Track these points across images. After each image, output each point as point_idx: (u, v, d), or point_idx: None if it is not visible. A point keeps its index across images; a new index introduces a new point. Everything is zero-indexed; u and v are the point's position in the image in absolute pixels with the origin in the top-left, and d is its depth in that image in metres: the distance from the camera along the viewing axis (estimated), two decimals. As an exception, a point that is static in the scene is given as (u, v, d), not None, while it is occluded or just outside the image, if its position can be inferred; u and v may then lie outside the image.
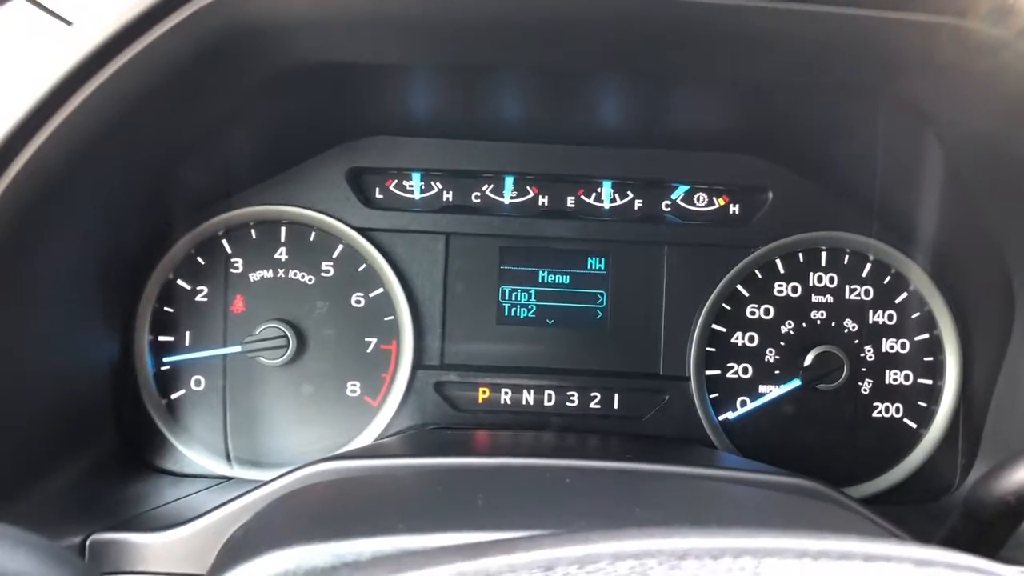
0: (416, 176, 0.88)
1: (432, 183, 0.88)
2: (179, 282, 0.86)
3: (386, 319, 0.87)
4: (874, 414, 0.87)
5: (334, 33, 0.63)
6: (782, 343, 0.88)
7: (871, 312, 0.88)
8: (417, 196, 0.88)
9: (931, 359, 0.87)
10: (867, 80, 0.65)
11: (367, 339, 0.87)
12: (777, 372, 0.87)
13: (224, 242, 0.86)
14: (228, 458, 0.86)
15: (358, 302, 0.87)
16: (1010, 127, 0.66)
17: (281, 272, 0.87)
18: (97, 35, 0.58)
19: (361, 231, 0.86)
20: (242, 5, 0.57)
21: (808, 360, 0.86)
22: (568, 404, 0.87)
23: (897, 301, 0.88)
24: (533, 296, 0.89)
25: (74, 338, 0.78)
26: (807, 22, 0.57)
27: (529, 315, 0.89)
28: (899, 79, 0.64)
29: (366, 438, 0.86)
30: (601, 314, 0.88)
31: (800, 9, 0.55)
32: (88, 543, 0.65)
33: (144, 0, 0.57)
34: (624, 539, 0.34)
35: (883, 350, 0.88)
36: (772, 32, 0.59)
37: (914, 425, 0.87)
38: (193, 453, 0.85)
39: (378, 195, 0.88)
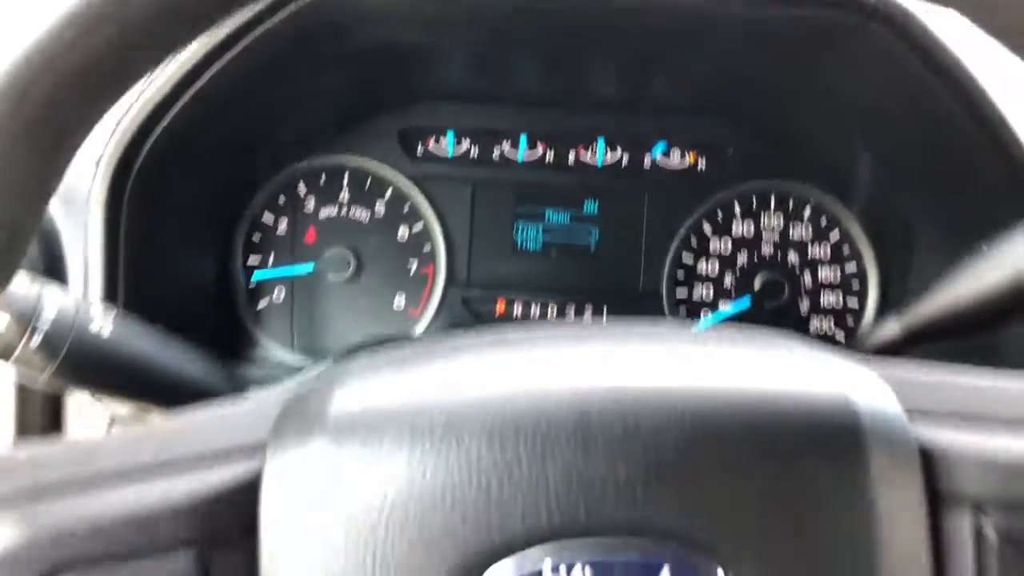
0: (449, 135, 1.11)
1: (462, 140, 1.11)
2: (264, 217, 1.10)
3: (425, 248, 1.11)
4: (811, 328, 1.10)
5: (398, 22, 0.86)
6: (737, 270, 1.10)
7: (810, 246, 1.10)
8: (450, 152, 1.11)
9: (858, 286, 1.09)
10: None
11: (410, 263, 1.11)
12: (732, 293, 1.10)
13: (300, 185, 1.10)
14: (299, 353, 1.10)
15: (403, 235, 1.11)
16: (909, 102, 0.88)
17: (343, 210, 1.10)
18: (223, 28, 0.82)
19: (408, 177, 1.10)
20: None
21: (757, 284, 1.09)
22: (566, 315, 1.11)
23: (831, 238, 1.10)
24: (541, 231, 1.11)
25: (192, 259, 1.03)
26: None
27: (537, 247, 1.12)
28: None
29: (409, 339, 1.10)
30: (594, 246, 1.11)
31: None
32: None
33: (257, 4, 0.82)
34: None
35: (819, 279, 1.10)
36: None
37: (842, 337, 1.10)
38: (273, 349, 1.10)
39: (420, 151, 1.11)
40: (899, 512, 0.42)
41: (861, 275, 1.09)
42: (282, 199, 1.10)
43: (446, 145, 1.11)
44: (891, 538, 0.41)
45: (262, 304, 1.10)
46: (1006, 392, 0.48)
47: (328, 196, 1.10)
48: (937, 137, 0.87)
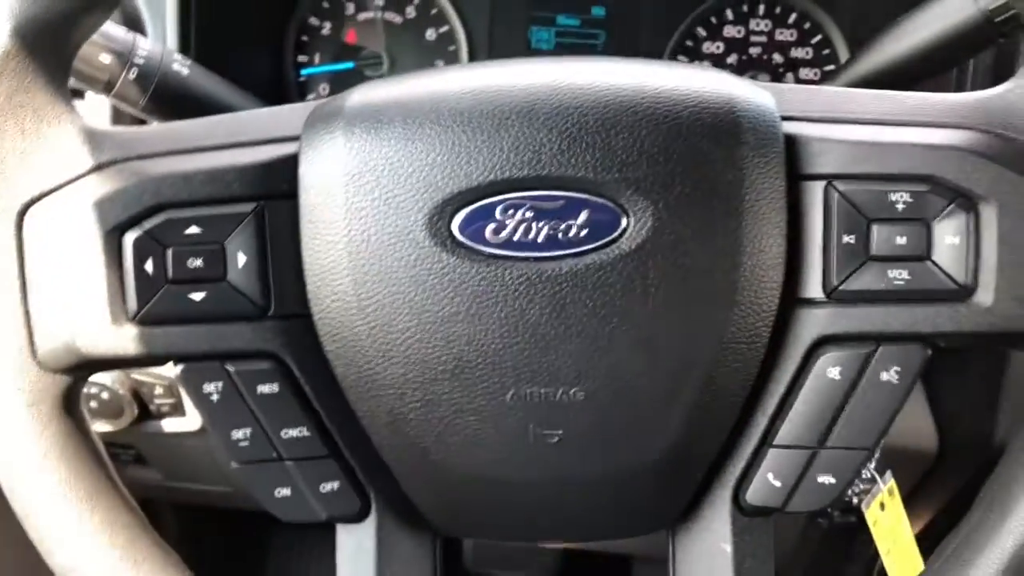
0: (471, -53, 1.24)
1: (481, -47, 1.24)
2: (311, 20, 1.25)
3: (450, 48, 1.24)
4: (790, 122, 1.23)
5: None
6: (727, 70, 1.22)
7: (792, 48, 1.22)
8: (473, -39, 1.25)
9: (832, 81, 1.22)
10: None
11: (437, 61, 1.25)
12: (722, 90, 1.23)
13: (341, -9, 1.25)
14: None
15: (431, 36, 1.25)
16: None
17: (379, 14, 1.25)
18: None
19: (434, -16, 1.24)
20: None
21: (744, 81, 1.22)
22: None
23: (813, 42, 1.22)
24: (553, 34, 1.25)
25: (250, 54, 1.19)
26: None
27: (550, 48, 1.25)
28: None
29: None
30: (600, 48, 1.25)
31: None
32: None
33: None
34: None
35: (799, 76, 1.23)
36: None
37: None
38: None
39: (446, -41, 1.25)
40: (763, 182, 0.58)
41: (837, 72, 1.21)
42: (326, 3, 1.25)
43: (468, -46, 1.25)
44: (756, 200, 0.58)
45: (310, 97, 1.27)
46: (866, 100, 0.63)
47: (365, 1, 1.24)
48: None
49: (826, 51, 1.22)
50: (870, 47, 0.89)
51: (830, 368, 0.60)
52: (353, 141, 0.58)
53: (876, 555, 0.87)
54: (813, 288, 0.59)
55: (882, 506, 0.86)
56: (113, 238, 0.58)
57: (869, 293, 0.59)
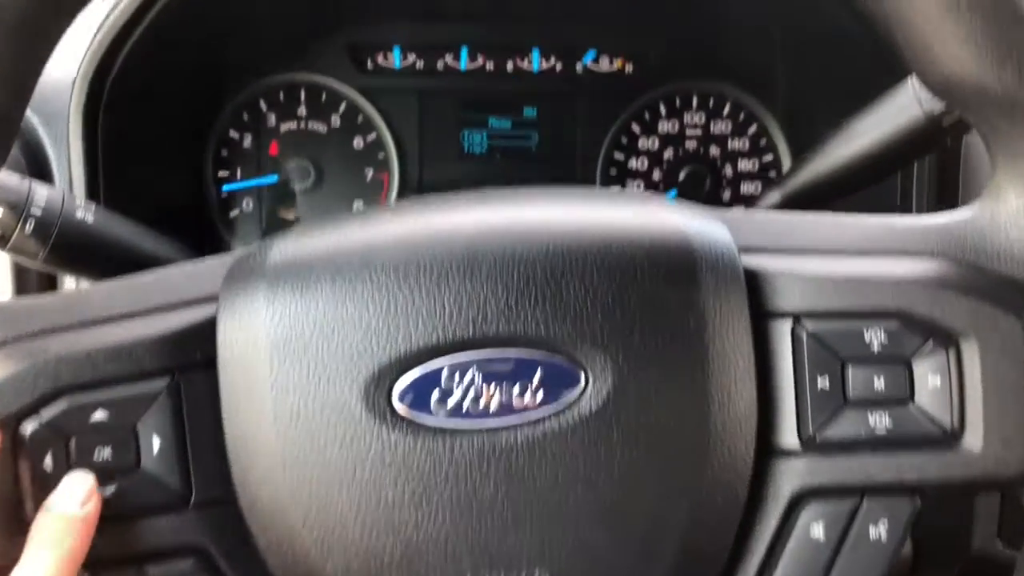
0: (396, 50, 1.20)
1: (407, 55, 1.20)
2: (230, 133, 1.20)
3: (380, 156, 1.20)
4: (732, 215, 1.21)
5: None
6: (664, 165, 1.20)
7: (729, 140, 1.20)
8: (397, 65, 1.20)
9: (773, 173, 1.20)
10: None
11: (366, 170, 1.20)
12: (661, 186, 1.20)
13: (261, 102, 1.19)
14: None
15: (359, 144, 1.20)
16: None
17: (302, 124, 1.19)
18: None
19: (359, 91, 1.19)
20: None
21: (681, 176, 1.19)
22: (510, 212, 1.21)
23: (749, 132, 1.20)
24: (485, 136, 1.21)
25: (167, 174, 1.13)
26: None
27: (483, 151, 1.21)
28: None
29: (368, 239, 1.20)
30: (535, 148, 1.21)
31: None
32: None
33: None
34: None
35: (738, 169, 1.20)
36: None
37: (761, 222, 1.21)
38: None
39: (369, 65, 1.20)
40: (728, 325, 0.53)
41: (777, 165, 1.20)
42: (245, 116, 1.19)
43: (393, 59, 1.20)
44: (721, 345, 0.53)
45: (233, 214, 1.21)
46: (827, 228, 0.59)
47: (287, 111, 1.19)
48: (840, 47, 0.98)
49: (763, 141, 1.20)
50: (814, 151, 0.87)
51: (813, 524, 0.54)
52: (276, 303, 0.52)
53: None
54: (789, 437, 0.54)
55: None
56: (7, 431, 0.51)
57: (849, 442, 0.54)
